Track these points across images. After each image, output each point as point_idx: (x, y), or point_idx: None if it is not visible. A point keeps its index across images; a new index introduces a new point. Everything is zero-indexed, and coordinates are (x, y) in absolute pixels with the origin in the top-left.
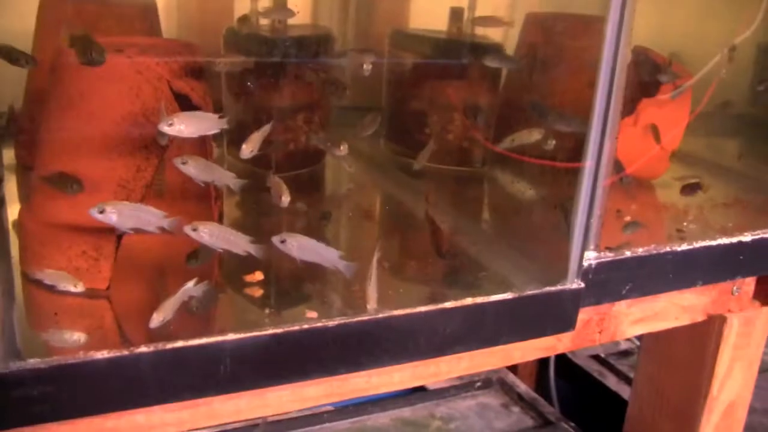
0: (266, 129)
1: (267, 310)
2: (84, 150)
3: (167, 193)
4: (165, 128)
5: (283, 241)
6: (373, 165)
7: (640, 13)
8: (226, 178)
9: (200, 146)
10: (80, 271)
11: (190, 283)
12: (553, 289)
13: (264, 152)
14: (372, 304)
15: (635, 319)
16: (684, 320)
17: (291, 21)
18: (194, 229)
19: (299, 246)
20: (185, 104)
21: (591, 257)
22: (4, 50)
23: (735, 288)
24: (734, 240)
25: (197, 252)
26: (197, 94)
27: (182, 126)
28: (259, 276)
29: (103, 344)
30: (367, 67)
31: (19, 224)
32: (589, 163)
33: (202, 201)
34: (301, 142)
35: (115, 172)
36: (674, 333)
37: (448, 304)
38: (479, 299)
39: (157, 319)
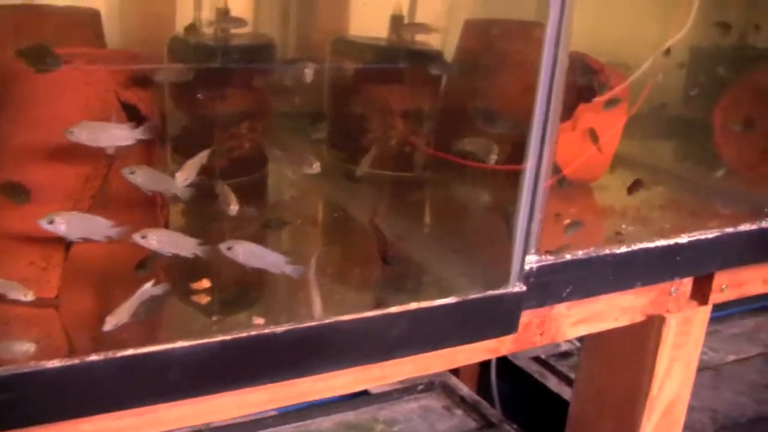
0: (203, 156)
1: (214, 318)
2: (32, 160)
3: (112, 202)
4: (68, 136)
5: (229, 248)
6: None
7: (576, 18)
8: (173, 187)
9: (146, 155)
10: (29, 281)
11: (148, 284)
12: (495, 292)
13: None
14: (317, 310)
15: (575, 320)
16: (623, 321)
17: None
18: (143, 237)
19: (245, 252)
20: (133, 114)
21: (532, 261)
22: None
23: (673, 289)
24: (671, 242)
25: (146, 260)
26: (144, 104)
27: (83, 135)
28: (205, 284)
29: (53, 353)
30: (308, 73)
31: None
32: (529, 167)
33: (148, 209)
34: (245, 149)
35: (64, 182)
36: (614, 334)
37: (394, 309)
38: (423, 304)
39: (111, 322)
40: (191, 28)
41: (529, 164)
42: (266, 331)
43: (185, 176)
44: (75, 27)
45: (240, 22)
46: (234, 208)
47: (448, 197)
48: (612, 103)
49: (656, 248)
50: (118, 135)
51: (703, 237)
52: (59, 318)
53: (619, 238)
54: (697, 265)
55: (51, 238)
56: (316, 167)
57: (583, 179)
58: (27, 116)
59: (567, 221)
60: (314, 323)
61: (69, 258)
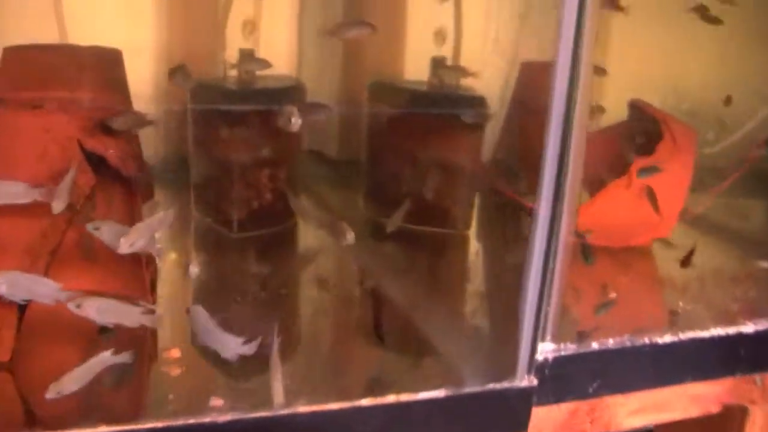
0: (158, 218)
1: (170, 396)
2: None
3: (99, 256)
4: None
5: (78, 306)
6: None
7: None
8: (148, 245)
9: (127, 208)
10: None
11: (107, 353)
12: (498, 386)
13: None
14: (278, 397)
15: (634, 408)
16: (693, 412)
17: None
18: (78, 306)
19: (98, 308)
20: (99, 164)
21: (547, 350)
22: None
23: (758, 378)
24: (731, 331)
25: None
26: (114, 154)
27: None
28: (175, 354)
29: None
30: (295, 121)
31: None
32: (538, 235)
33: (135, 265)
34: (266, 199)
35: (18, 236)
36: (683, 427)
37: (365, 402)
38: (404, 396)
39: (54, 390)
40: (177, 69)
41: (539, 226)
42: (206, 420)
43: (130, 241)
44: (93, 67)
45: (263, 63)
46: (193, 270)
47: (487, 259)
48: (648, 171)
49: (712, 338)
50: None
51: None
52: (12, 383)
53: (673, 318)
54: (765, 360)
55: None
56: (350, 238)
57: (642, 243)
58: None
59: (613, 295)
60: (263, 413)
61: (26, 318)
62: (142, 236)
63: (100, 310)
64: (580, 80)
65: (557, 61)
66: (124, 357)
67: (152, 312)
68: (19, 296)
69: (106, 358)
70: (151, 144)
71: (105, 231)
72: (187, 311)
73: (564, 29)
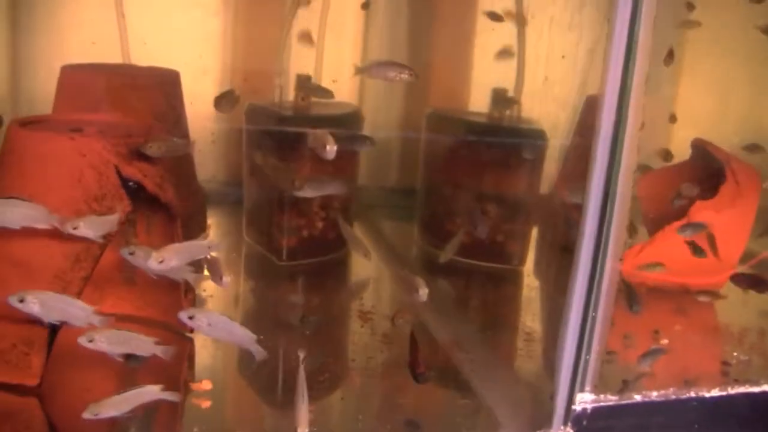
0: (200, 244)
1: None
2: (20, 235)
3: (139, 281)
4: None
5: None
6: (398, 256)
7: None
8: (182, 272)
9: (167, 233)
10: (10, 365)
11: (155, 387)
12: None
13: None
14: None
15: None
16: None
17: None
18: (90, 340)
19: (209, 323)
20: (136, 192)
21: (586, 400)
22: None
23: None
24: None
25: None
26: (152, 180)
27: None
28: (206, 385)
29: None
30: (330, 149)
31: None
32: (579, 281)
33: (173, 292)
34: (317, 228)
35: (52, 261)
36: None
37: None
38: None
39: (91, 411)
40: (226, 94)
41: (581, 269)
42: None
43: (160, 258)
44: (148, 89)
45: (326, 93)
46: (226, 280)
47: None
48: (693, 228)
49: (764, 394)
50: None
51: None
52: (39, 409)
53: (725, 369)
54: None
55: (35, 321)
56: (423, 294)
57: (700, 287)
58: (17, 188)
59: (665, 341)
60: None
61: (56, 343)
62: (175, 257)
63: (111, 342)
64: (628, 118)
65: (604, 98)
66: (172, 396)
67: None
68: (52, 317)
69: (152, 391)
70: (209, 168)
71: (139, 255)
72: (191, 317)
73: (612, 65)
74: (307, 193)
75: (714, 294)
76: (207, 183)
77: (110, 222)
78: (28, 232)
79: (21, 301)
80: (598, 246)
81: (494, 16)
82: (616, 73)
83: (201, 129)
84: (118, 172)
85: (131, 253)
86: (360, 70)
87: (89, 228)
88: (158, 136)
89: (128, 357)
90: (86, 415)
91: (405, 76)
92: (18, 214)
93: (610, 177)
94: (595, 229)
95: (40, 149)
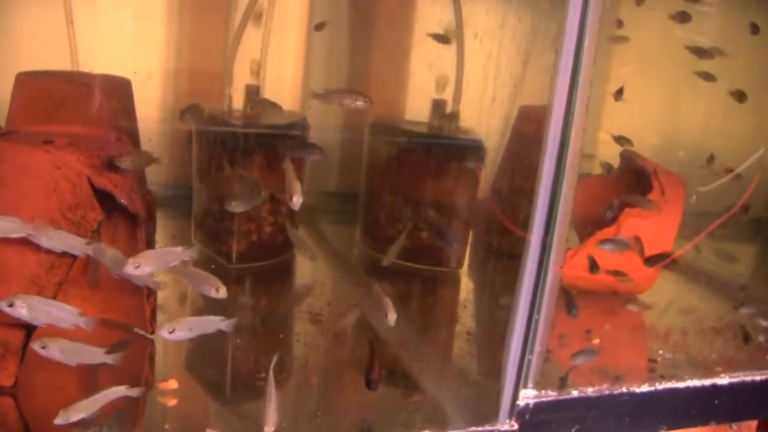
0: (173, 251)
1: (166, 425)
2: None
3: (103, 285)
4: None
5: (171, 332)
6: (341, 259)
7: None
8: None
9: (131, 240)
10: None
11: (122, 387)
12: (479, 429)
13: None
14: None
15: None
16: None
17: None
18: (43, 347)
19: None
20: (107, 201)
21: (529, 395)
22: None
23: (734, 425)
24: (707, 382)
25: (115, 347)
26: (122, 191)
27: None
28: (173, 384)
29: None
30: (296, 200)
31: None
32: (525, 286)
33: (135, 295)
34: (265, 232)
35: (26, 267)
36: None
37: None
38: None
39: (62, 416)
40: (191, 108)
41: (527, 272)
42: None
43: (136, 263)
44: (101, 96)
45: (273, 106)
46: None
47: (475, 299)
48: (613, 244)
49: (687, 389)
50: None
51: (749, 379)
52: (15, 408)
53: (651, 366)
54: (738, 410)
55: (9, 323)
56: (391, 319)
57: (628, 291)
58: None
59: (596, 341)
60: None
61: (30, 345)
62: (150, 263)
63: (63, 351)
64: (573, 124)
65: (552, 104)
66: (134, 391)
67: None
68: (39, 320)
69: (117, 391)
70: (156, 171)
71: (108, 256)
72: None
73: (560, 74)
74: (237, 208)
75: (642, 304)
76: (152, 186)
77: (78, 244)
78: (4, 240)
79: (10, 305)
80: (542, 253)
81: (440, 38)
82: (562, 94)
83: (146, 131)
84: (90, 183)
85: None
86: (318, 96)
87: (55, 242)
88: (130, 149)
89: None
90: (58, 420)
91: (360, 103)
92: None
93: (555, 188)
94: (541, 237)
95: (17, 161)
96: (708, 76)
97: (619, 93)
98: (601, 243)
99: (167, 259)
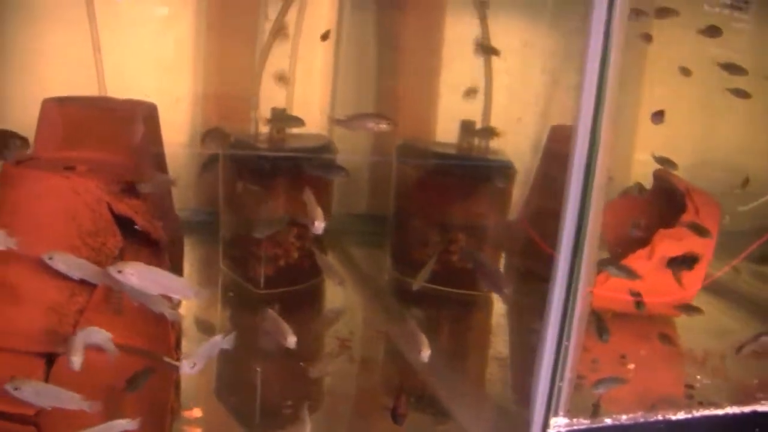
0: (217, 341)
1: None
2: (15, 267)
3: (126, 313)
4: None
5: (120, 271)
6: (370, 283)
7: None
8: (161, 306)
9: (153, 264)
10: (9, 395)
11: (123, 421)
12: None
13: None
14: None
15: None
16: None
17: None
18: (16, 388)
19: (139, 275)
20: (128, 227)
21: (560, 424)
22: None
23: None
24: (746, 409)
25: (137, 377)
26: (142, 217)
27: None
28: (196, 413)
29: None
30: (318, 225)
31: None
32: (554, 310)
33: (160, 323)
34: (293, 257)
35: (45, 294)
36: None
37: None
38: None
39: None
40: (213, 131)
41: (555, 296)
42: None
43: (191, 364)
44: (127, 122)
45: (297, 121)
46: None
47: (510, 325)
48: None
49: (726, 416)
50: None
51: None
52: None
53: (689, 392)
54: None
55: (31, 351)
56: (425, 356)
57: (664, 313)
58: (12, 222)
59: (631, 366)
60: None
61: (53, 372)
62: (203, 357)
63: (38, 394)
64: (599, 147)
65: (578, 123)
66: (133, 425)
67: (144, 380)
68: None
69: (120, 424)
70: (184, 197)
71: (134, 274)
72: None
73: (585, 94)
74: (261, 233)
75: (692, 308)
76: (180, 211)
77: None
78: (24, 267)
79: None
80: (571, 276)
81: (487, 50)
82: (587, 112)
83: (173, 156)
84: (110, 209)
85: (119, 272)
86: (339, 122)
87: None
88: (149, 174)
89: (129, 382)
90: None
91: (383, 126)
92: None
93: (583, 208)
94: (569, 260)
95: (36, 187)
96: (741, 93)
97: (657, 115)
98: (601, 262)
99: (216, 347)
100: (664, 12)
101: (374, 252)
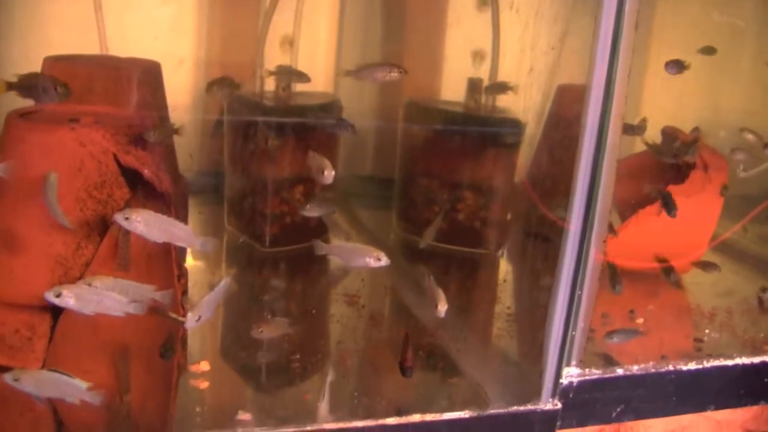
0: (220, 289)
1: (198, 408)
2: (21, 222)
3: (132, 268)
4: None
5: (126, 218)
6: (377, 243)
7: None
8: (187, 239)
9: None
10: (13, 350)
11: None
12: (521, 408)
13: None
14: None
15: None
16: None
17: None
18: (15, 380)
19: (146, 222)
20: (134, 179)
21: (573, 374)
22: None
23: None
24: (756, 360)
25: (170, 342)
26: (149, 169)
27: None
28: (204, 367)
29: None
30: (327, 174)
31: None
32: (567, 259)
33: (166, 277)
34: (299, 215)
35: (52, 248)
36: None
37: (391, 420)
38: (429, 416)
39: None
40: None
41: (568, 249)
42: None
43: (196, 316)
44: (130, 80)
45: (302, 76)
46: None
47: (515, 282)
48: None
49: (736, 367)
50: None
51: None
52: None
53: (698, 345)
54: None
55: (36, 306)
56: (441, 311)
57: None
58: (19, 176)
59: (640, 320)
60: (290, 428)
61: (58, 327)
62: (208, 308)
63: (38, 384)
64: (613, 104)
65: (591, 84)
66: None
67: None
68: (88, 309)
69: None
70: (187, 157)
71: (135, 220)
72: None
73: (599, 53)
74: (313, 212)
75: (709, 264)
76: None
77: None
78: (31, 221)
79: (57, 296)
80: (584, 227)
81: None
82: (602, 68)
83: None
84: (117, 161)
85: (126, 218)
86: (349, 73)
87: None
88: (156, 122)
89: (163, 349)
90: None
91: (394, 74)
92: None
93: (596, 164)
94: (583, 212)
95: (41, 140)
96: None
97: (672, 65)
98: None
99: (219, 297)
100: None
101: (380, 213)
